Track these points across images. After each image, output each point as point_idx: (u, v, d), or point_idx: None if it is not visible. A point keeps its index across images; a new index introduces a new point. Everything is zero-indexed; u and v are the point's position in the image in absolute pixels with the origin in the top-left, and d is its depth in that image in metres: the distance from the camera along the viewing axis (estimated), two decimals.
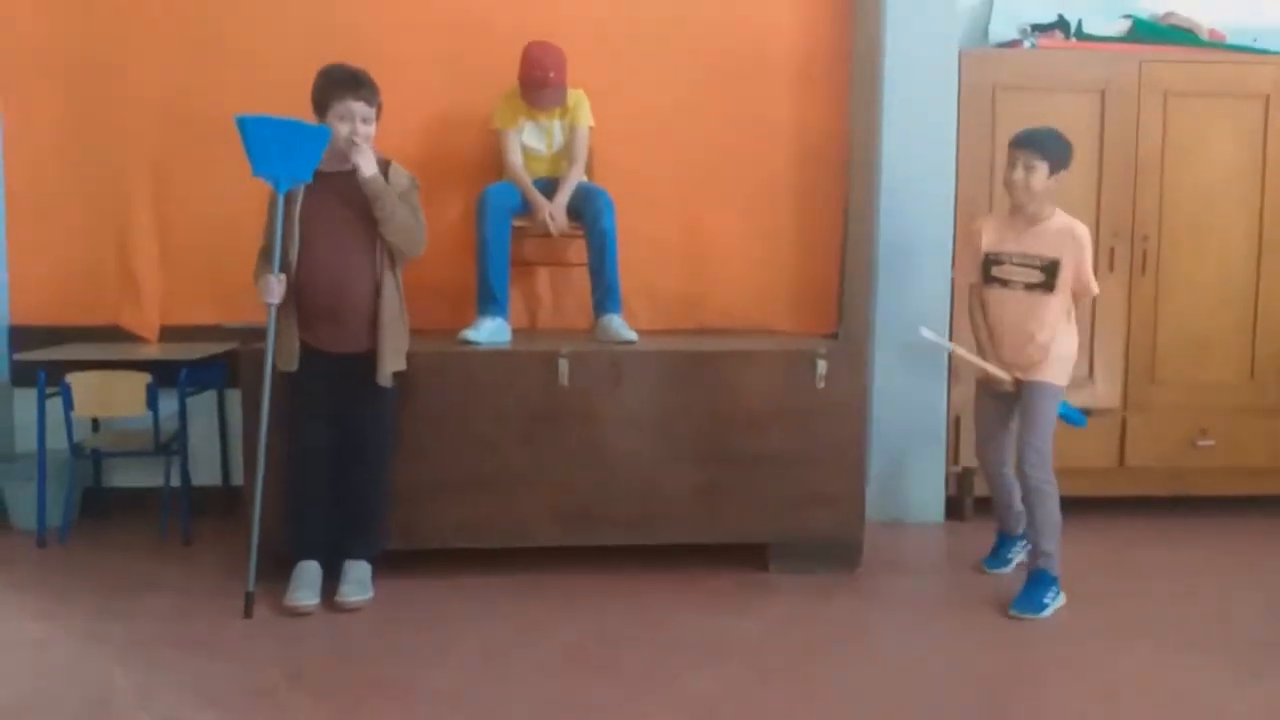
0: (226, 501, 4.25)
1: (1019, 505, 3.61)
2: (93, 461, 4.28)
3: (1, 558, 3.83)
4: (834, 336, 4.54)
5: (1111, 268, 4.33)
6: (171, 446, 4.02)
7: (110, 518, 4.26)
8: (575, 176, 4.02)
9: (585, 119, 4.04)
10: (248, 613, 3.23)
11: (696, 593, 3.50)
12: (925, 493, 4.36)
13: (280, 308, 3.31)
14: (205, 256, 4.26)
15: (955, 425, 4.31)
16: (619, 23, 4.37)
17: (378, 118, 3.40)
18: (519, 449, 3.57)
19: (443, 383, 3.53)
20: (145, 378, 3.85)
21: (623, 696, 2.75)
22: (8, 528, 4.15)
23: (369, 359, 3.36)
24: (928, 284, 4.24)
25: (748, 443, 3.63)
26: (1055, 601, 3.36)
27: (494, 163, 4.14)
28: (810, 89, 4.50)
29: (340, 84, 3.33)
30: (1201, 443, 4.42)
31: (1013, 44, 4.42)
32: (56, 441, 3.98)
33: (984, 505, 4.05)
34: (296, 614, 3.25)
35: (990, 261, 3.51)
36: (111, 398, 3.90)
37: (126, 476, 4.37)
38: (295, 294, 3.33)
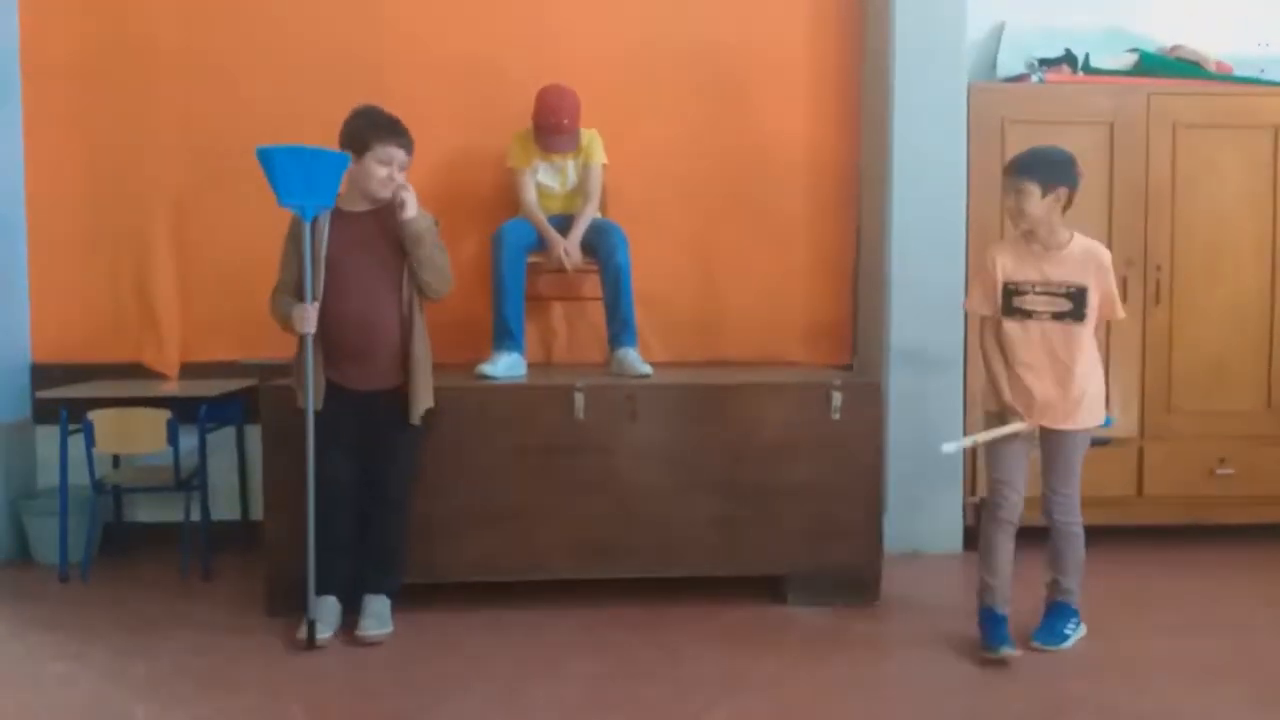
0: (246, 536, 4.26)
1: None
2: (114, 497, 4.32)
3: (24, 593, 3.86)
4: (848, 367, 4.56)
5: (1125, 297, 4.31)
6: (191, 482, 4.05)
7: (131, 553, 4.28)
8: (589, 213, 4.08)
9: (599, 157, 4.10)
10: (310, 643, 3.25)
11: (714, 626, 3.50)
12: (943, 523, 4.34)
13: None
14: (224, 294, 4.33)
15: (972, 455, 4.30)
16: (630, 61, 4.44)
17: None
18: (535, 482, 3.59)
19: (459, 417, 3.55)
20: (165, 414, 3.90)
21: None
22: (30, 563, 4.18)
23: (395, 395, 3.40)
24: (940, 315, 4.25)
25: (763, 475, 3.63)
26: (1076, 632, 3.34)
27: (509, 200, 4.20)
28: (822, 123, 4.56)
29: (384, 129, 3.40)
30: (1220, 471, 4.40)
31: (1020, 78, 4.45)
32: (78, 477, 4.02)
33: None
34: (313, 648, 3.26)
35: (1011, 292, 3.25)
36: (132, 434, 3.94)
37: (147, 512, 4.41)
38: (321, 333, 3.35)
